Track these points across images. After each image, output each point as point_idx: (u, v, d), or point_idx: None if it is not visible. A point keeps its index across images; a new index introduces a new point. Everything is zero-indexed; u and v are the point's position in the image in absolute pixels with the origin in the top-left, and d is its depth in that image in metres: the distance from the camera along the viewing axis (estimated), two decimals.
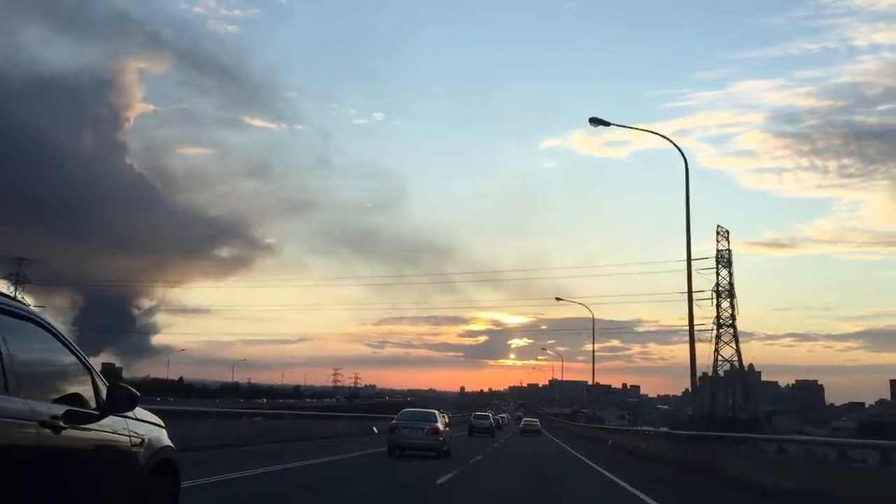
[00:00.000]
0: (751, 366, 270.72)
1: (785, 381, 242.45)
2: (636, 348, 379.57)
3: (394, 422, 23.36)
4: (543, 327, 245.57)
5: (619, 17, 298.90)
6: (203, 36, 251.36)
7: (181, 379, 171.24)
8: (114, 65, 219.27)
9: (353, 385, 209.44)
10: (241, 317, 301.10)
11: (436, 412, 24.84)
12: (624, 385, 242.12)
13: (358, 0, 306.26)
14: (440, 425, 22.94)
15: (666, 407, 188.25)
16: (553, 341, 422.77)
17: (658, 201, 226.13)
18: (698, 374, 29.52)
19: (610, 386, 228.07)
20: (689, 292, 25.02)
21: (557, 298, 62.41)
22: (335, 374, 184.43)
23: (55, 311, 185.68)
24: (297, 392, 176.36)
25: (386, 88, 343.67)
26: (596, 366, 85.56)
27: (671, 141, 26.23)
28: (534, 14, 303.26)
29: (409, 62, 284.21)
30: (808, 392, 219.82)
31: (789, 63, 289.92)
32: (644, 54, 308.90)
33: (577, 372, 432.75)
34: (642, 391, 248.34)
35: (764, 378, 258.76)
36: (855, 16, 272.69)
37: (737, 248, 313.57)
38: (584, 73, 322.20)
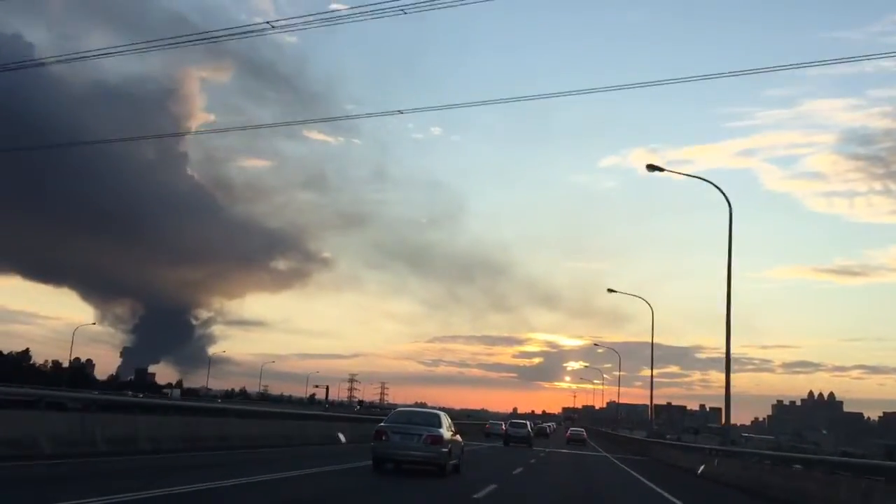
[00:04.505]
0: (831, 394, 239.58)
1: (868, 412, 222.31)
2: (696, 375, 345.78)
3: (381, 426, 17.70)
4: (600, 351, 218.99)
5: (684, 30, 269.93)
6: (262, 46, 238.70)
7: (180, 382, 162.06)
8: (176, 73, 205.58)
9: (379, 401, 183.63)
10: (296, 329, 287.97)
11: (440, 415, 18.80)
12: (702, 406, 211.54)
13: (417, 14, 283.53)
14: (444, 432, 17.51)
15: (752, 435, 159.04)
16: (609, 365, 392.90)
17: (720, 222, 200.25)
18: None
19: (685, 407, 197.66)
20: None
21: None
22: (351, 385, 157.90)
23: (115, 319, 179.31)
24: (311, 401, 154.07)
25: (444, 103, 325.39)
26: (654, 392, 65.03)
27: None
28: (594, 29, 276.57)
29: (467, 76, 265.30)
30: None
31: (863, 81, 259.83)
32: (708, 70, 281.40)
33: (633, 397, 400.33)
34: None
35: (846, 409, 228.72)
36: None
37: (804, 275, 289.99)
38: (646, 89, 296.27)
